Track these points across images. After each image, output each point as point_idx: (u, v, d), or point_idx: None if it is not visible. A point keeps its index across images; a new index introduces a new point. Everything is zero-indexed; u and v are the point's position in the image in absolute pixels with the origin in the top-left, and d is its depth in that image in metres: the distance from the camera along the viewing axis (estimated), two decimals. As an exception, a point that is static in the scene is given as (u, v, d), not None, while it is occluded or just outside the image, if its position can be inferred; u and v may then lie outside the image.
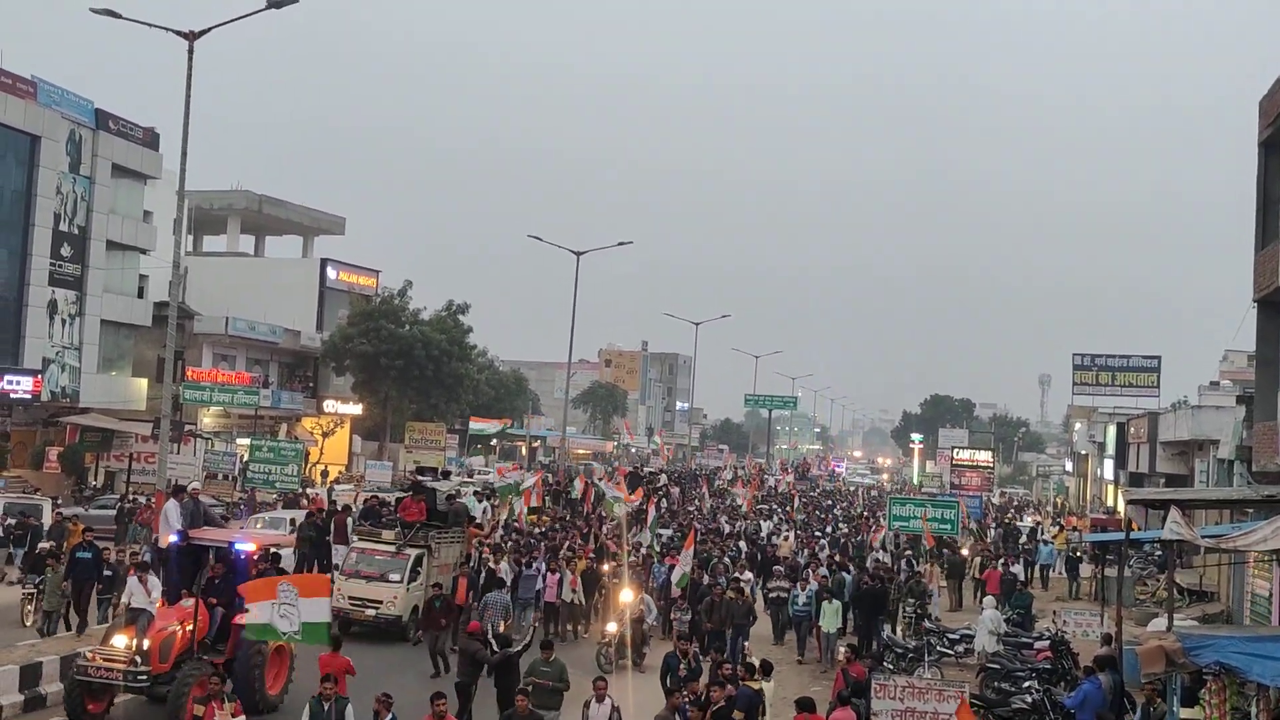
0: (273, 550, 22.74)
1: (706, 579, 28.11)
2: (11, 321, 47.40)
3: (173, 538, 20.26)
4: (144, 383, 53.82)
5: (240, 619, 16.79)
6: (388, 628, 25.64)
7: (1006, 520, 56.16)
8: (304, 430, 63.63)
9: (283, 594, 16.57)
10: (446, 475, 33.27)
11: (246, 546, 19.49)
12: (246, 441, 47.64)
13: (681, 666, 19.31)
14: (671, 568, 28.70)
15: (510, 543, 31.96)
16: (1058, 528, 46.50)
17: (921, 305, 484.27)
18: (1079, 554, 40.25)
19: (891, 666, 23.65)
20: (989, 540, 45.12)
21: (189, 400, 53.77)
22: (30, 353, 47.85)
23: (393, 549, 26.46)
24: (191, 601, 18.28)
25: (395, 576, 25.87)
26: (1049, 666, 23.42)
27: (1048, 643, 25.03)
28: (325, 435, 63.63)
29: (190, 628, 17.89)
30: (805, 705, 16.41)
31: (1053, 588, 40.22)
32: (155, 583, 21.10)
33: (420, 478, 32.77)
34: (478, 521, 33.07)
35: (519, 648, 19.30)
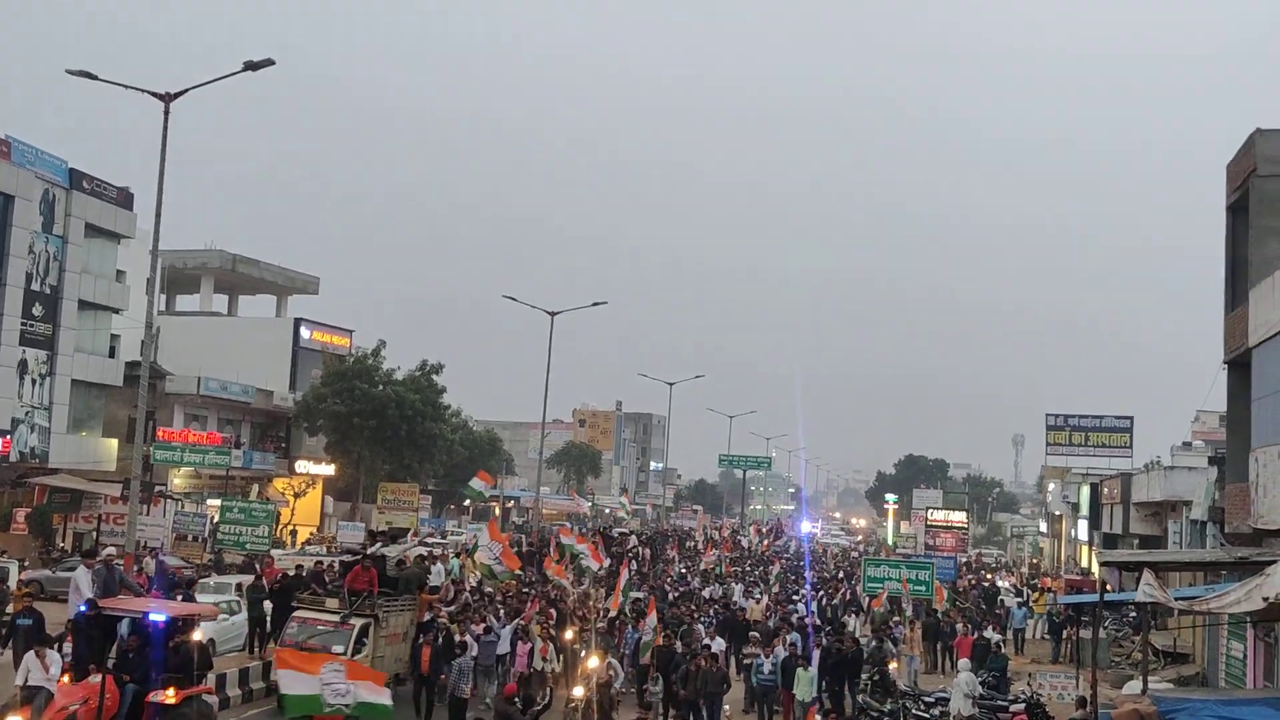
0: (192, 619, 21.22)
1: (679, 646, 27.48)
2: (-19, 381, 47.05)
3: (81, 607, 19.05)
4: (114, 443, 53.40)
5: (188, 691, 16.31)
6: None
7: (985, 583, 55.93)
8: (275, 491, 63.17)
9: (329, 671, 16.31)
10: (395, 539, 31.31)
11: (160, 617, 18.42)
12: (217, 502, 47.32)
13: None
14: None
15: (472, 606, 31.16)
16: (1038, 592, 46.24)
17: (898, 364, 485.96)
18: (1060, 617, 40.14)
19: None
20: (962, 605, 44.96)
21: (159, 460, 53.35)
22: (-1, 413, 47.48)
23: (337, 619, 24.97)
24: (99, 677, 16.99)
25: (339, 648, 24.04)
26: (1025, 730, 23.35)
27: (1023, 705, 24.98)
28: (297, 496, 63.19)
29: (96, 706, 16.68)
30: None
31: (1028, 650, 40.08)
32: (55, 658, 19.57)
33: (374, 543, 30.54)
34: (433, 585, 31.32)
35: (540, 707, 19.29)
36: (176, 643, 18.95)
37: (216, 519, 44.58)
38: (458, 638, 26.28)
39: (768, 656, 26.92)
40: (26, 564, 39.94)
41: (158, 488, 53.14)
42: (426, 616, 27.41)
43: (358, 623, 24.71)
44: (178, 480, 58.04)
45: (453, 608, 30.60)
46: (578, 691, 22.22)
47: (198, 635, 26.29)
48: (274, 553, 43.80)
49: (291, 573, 31.21)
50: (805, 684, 25.16)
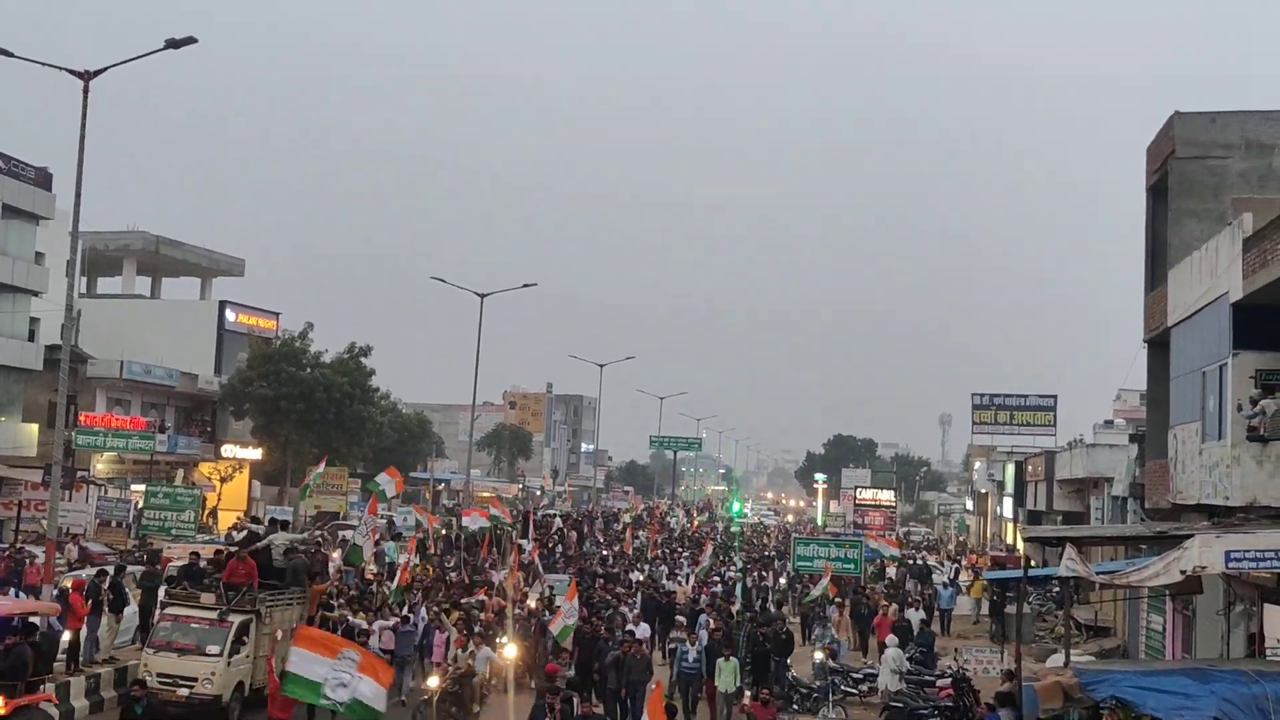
0: (29, 619, 20.42)
1: (603, 631, 26.49)
2: (-105, 366, 46.00)
3: None
4: (34, 428, 52.39)
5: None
6: (204, 710, 22.18)
7: (917, 561, 55.99)
8: (201, 476, 62.38)
9: (343, 659, 15.83)
10: (284, 525, 28.78)
11: None
12: (142, 488, 46.61)
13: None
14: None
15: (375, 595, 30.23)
16: (974, 576, 46.27)
17: (824, 346, 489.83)
18: (995, 596, 40.18)
19: (797, 707, 23.79)
20: (887, 583, 45.32)
21: (81, 446, 52.47)
22: (-85, 398, 46.47)
23: (213, 615, 23.05)
24: None
25: (214, 648, 22.42)
26: (951, 704, 23.70)
27: (950, 680, 25.33)
28: (224, 480, 62.45)
29: None
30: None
31: (955, 629, 40.35)
32: None
33: (253, 527, 27.63)
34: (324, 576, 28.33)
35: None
36: (8, 645, 17.99)
37: (141, 504, 43.91)
38: (363, 625, 25.39)
39: (692, 644, 25.85)
40: (-55, 552, 39.13)
41: (80, 473, 52.30)
42: (329, 613, 26.08)
43: (236, 619, 22.96)
44: (101, 465, 57.13)
45: (352, 593, 29.65)
46: (432, 682, 21.33)
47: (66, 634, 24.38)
48: (199, 538, 43.17)
49: (183, 561, 28.04)
50: (728, 674, 24.19)
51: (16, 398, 53.16)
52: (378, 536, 34.01)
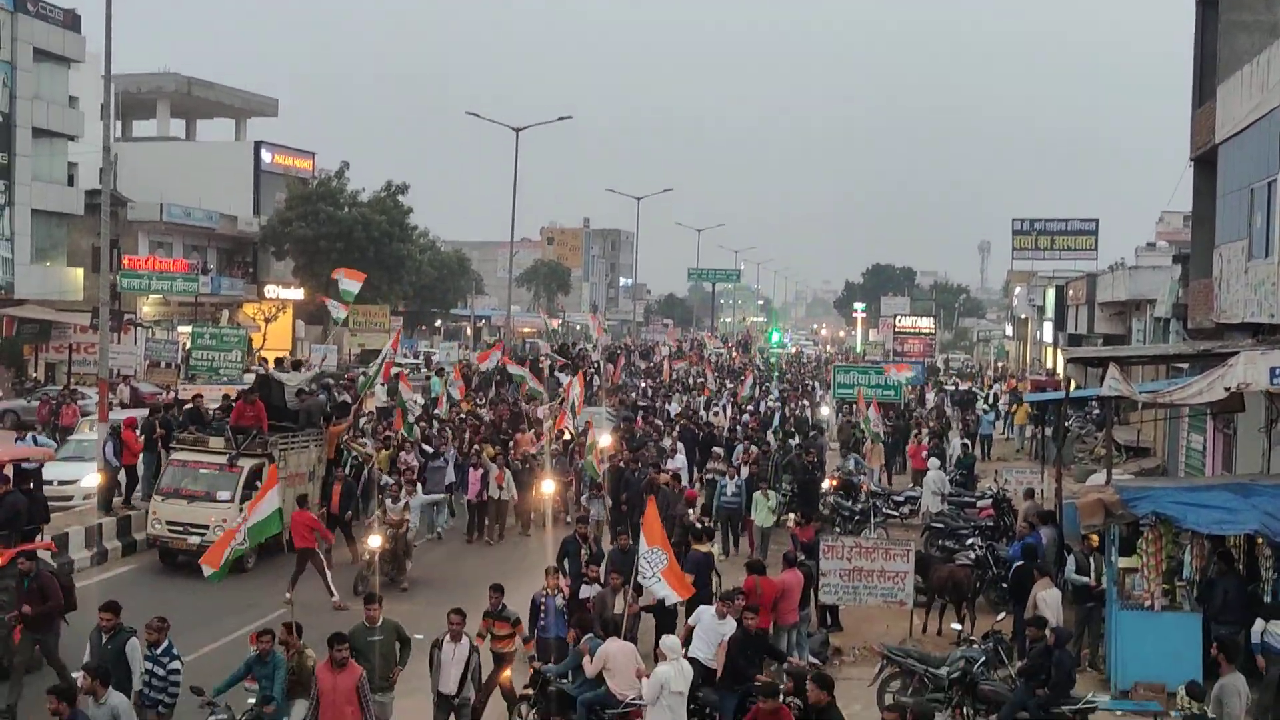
0: (21, 465, 19.78)
1: (632, 463, 25.60)
2: (-61, 213, 46.35)
3: None
4: (80, 272, 52.90)
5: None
6: None
7: (960, 387, 55.67)
8: (246, 316, 63.04)
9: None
10: (298, 365, 26.94)
11: None
12: (188, 329, 47.17)
13: (583, 551, 18.12)
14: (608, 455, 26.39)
15: (425, 430, 29.62)
16: (1017, 404, 45.57)
17: (863, 175, 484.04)
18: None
19: (839, 529, 24.21)
20: (927, 409, 45.50)
21: (127, 289, 52.98)
22: (-40, 245, 46.90)
23: (222, 461, 22.20)
24: None
25: (225, 495, 21.65)
26: (991, 524, 24.07)
27: (989, 501, 25.68)
28: (268, 321, 63.03)
29: None
30: (755, 568, 16.76)
31: (996, 451, 40.67)
32: None
33: (258, 369, 25.79)
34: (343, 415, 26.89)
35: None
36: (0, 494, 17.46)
37: (188, 345, 44.50)
38: (384, 477, 24.57)
39: (731, 478, 24.89)
40: (0, 395, 40.04)
41: (127, 316, 52.94)
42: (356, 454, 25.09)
43: (247, 464, 22.02)
44: (147, 308, 57.79)
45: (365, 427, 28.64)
46: (374, 541, 19.78)
47: (94, 479, 24.30)
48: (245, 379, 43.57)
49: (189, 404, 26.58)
50: (765, 511, 23.57)
51: (60, 242, 53.56)
52: (394, 371, 31.90)
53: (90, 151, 48.46)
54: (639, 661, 13.46)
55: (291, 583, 19.75)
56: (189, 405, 26.01)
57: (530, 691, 13.69)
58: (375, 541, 19.47)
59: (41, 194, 51.44)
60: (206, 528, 21.13)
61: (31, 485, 19.52)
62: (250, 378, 31.29)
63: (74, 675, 10.98)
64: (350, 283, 34.71)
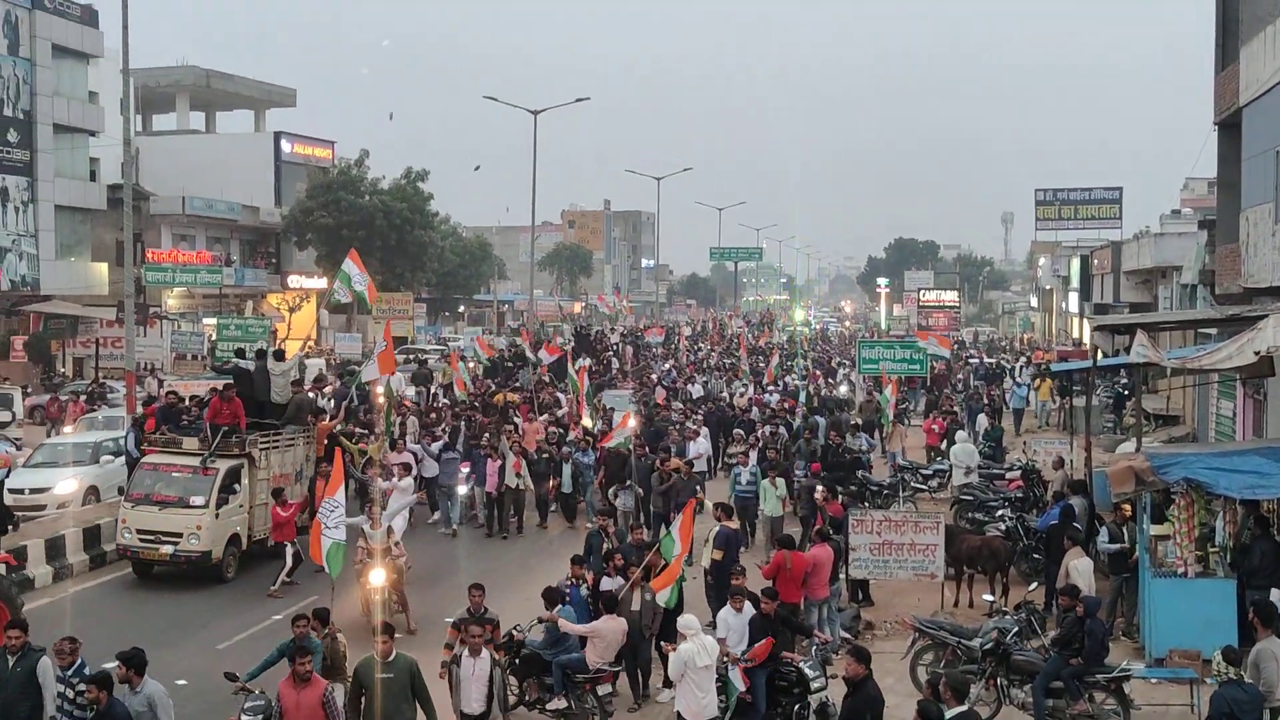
0: None
1: (643, 449, 24.17)
2: (-37, 211, 46.67)
3: None
4: (104, 267, 53.23)
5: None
6: (193, 568, 19.95)
7: (984, 360, 54.76)
8: (269, 307, 63.31)
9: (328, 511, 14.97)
10: (281, 355, 24.16)
11: None
12: (213, 321, 47.39)
13: (605, 545, 17.45)
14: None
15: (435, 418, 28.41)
16: (1042, 378, 44.74)
17: (884, 149, 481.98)
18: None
19: (868, 503, 24.12)
20: (952, 383, 45.15)
21: (151, 282, 53.31)
22: (-15, 242, 47.25)
23: (196, 463, 20.42)
24: None
25: (199, 500, 19.88)
26: (1020, 495, 23.95)
27: (1019, 472, 25.56)
28: (292, 310, 63.31)
29: None
30: (786, 543, 16.72)
31: (1024, 424, 40.29)
32: None
33: (239, 361, 23.37)
34: (330, 413, 26.10)
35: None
36: None
37: (214, 337, 44.71)
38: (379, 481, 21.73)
39: (744, 465, 23.53)
40: (29, 390, 40.32)
41: (152, 309, 53.26)
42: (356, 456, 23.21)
43: (223, 465, 20.33)
44: (171, 301, 58.11)
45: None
46: (377, 578, 16.39)
47: (67, 486, 23.55)
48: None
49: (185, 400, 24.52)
50: (773, 500, 22.09)
51: (84, 238, 53.88)
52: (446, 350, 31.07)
53: (111, 146, 48.65)
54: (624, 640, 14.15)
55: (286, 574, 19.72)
56: (163, 403, 23.87)
57: (503, 655, 13.59)
58: (379, 578, 16.35)
59: (64, 189, 51.76)
60: (180, 536, 19.73)
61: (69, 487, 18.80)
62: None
63: (108, 665, 10.92)
64: (352, 267, 32.76)
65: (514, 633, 14.20)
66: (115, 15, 29.43)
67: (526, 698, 14.21)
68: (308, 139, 72.63)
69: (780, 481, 22.42)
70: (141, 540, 19.95)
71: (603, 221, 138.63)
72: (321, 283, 65.55)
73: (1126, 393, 36.13)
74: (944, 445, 29.60)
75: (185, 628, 17.79)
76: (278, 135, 71.79)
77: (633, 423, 23.96)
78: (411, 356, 50.60)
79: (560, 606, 14.35)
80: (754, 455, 24.32)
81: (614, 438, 23.95)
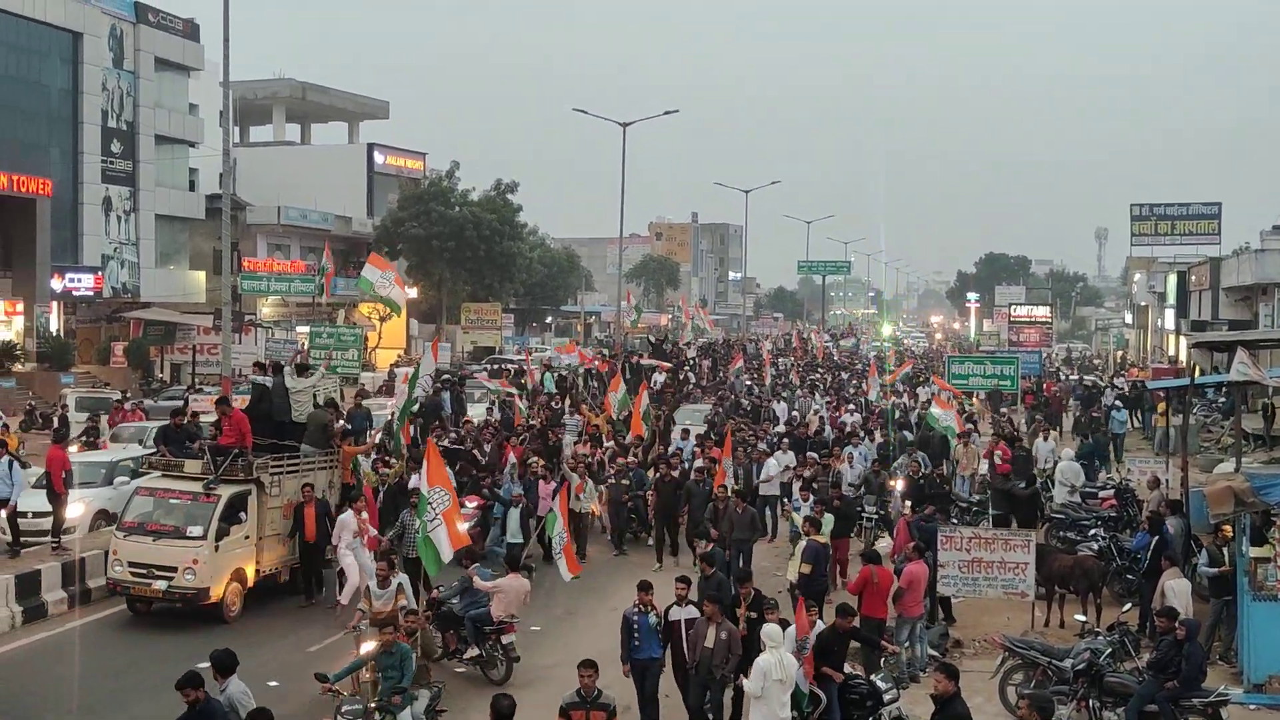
0: None
1: (679, 474, 23.33)
2: (69, 220, 47.93)
3: None
4: (202, 275, 54.36)
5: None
6: (188, 606, 17.54)
7: (1085, 382, 52.45)
8: (361, 316, 64.11)
9: (438, 492, 16.16)
10: (304, 370, 21.54)
11: None
12: (306, 329, 48.13)
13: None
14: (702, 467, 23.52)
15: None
16: (1139, 394, 42.46)
17: (976, 163, 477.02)
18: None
19: (956, 520, 23.80)
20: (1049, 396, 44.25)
21: (247, 291, 54.29)
22: (89, 250, 48.47)
23: (198, 488, 18.12)
24: None
25: (196, 530, 17.61)
26: (1114, 514, 23.50)
27: (1112, 491, 25.08)
28: (383, 320, 64.04)
29: None
30: (872, 558, 16.59)
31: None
32: None
33: (256, 377, 21.97)
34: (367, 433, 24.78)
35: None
36: None
37: (306, 345, 45.40)
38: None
39: (805, 499, 21.05)
40: (128, 395, 41.18)
41: (247, 317, 54.24)
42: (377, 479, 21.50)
43: (226, 491, 18.00)
44: (266, 309, 59.16)
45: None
46: (367, 648, 13.76)
47: (73, 510, 20.30)
48: (363, 376, 44.26)
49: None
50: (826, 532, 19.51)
51: (182, 246, 55.11)
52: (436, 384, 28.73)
53: (210, 157, 49.78)
54: (526, 599, 16.44)
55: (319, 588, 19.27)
56: (169, 422, 21.74)
57: (430, 613, 15.86)
58: (369, 647, 13.50)
59: (164, 199, 53.03)
60: (174, 570, 17.39)
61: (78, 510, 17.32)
62: (368, 375, 27.63)
63: (200, 665, 11.13)
64: (373, 270, 29.55)
65: (435, 591, 16.51)
66: (216, 29, 30.10)
67: (448, 649, 16.02)
68: (400, 150, 73.65)
69: (829, 516, 19.98)
70: (133, 574, 17.63)
71: (690, 234, 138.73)
72: (412, 293, 66.26)
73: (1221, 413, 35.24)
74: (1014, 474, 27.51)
75: (270, 633, 17.50)
76: (371, 147, 72.89)
77: (730, 460, 22.97)
78: (497, 364, 51.05)
79: (475, 565, 16.34)
80: (796, 485, 23.34)
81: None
